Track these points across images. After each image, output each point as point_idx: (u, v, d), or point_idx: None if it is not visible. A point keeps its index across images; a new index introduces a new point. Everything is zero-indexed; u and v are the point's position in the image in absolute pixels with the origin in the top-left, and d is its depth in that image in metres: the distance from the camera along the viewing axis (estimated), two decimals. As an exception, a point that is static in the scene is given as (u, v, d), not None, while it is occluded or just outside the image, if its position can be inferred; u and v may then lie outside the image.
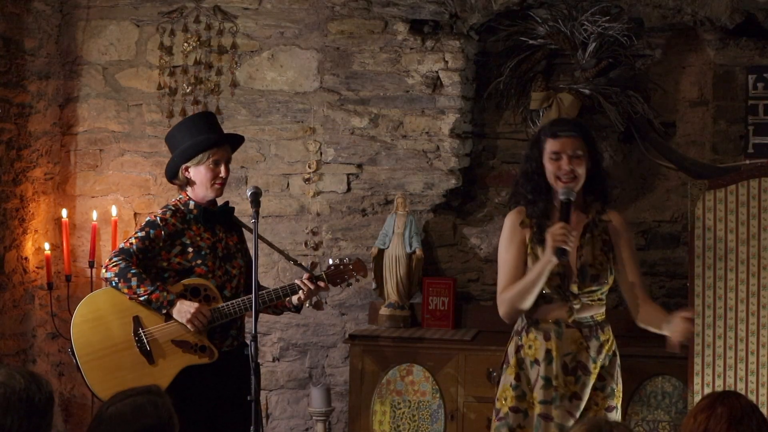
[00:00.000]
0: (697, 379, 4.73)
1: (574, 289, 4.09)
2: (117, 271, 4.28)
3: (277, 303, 4.51)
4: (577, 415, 4.07)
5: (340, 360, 5.72)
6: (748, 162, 5.16)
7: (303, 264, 4.63)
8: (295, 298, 4.49)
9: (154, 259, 4.37)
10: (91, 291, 5.75)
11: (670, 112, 5.53)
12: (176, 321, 4.31)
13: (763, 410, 4.14)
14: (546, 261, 4.01)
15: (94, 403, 5.74)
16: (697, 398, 4.60)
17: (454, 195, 5.67)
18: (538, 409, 4.08)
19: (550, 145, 4.12)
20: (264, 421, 5.68)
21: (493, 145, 5.73)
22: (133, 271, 4.27)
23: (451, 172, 5.62)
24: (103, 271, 4.35)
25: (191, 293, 4.34)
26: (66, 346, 5.91)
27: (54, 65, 5.86)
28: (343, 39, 5.67)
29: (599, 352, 4.11)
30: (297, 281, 4.44)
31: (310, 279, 4.44)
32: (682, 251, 5.44)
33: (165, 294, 4.28)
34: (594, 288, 4.11)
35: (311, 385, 5.66)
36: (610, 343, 4.16)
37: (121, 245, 4.36)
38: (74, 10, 5.89)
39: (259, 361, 4.13)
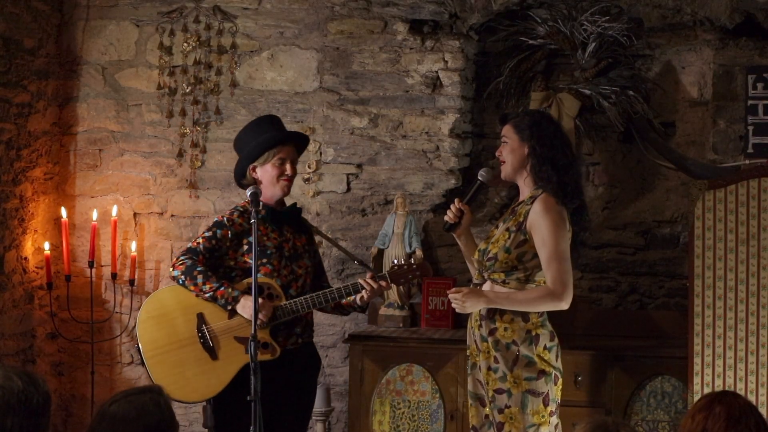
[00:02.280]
0: (696, 379, 4.73)
1: (477, 263, 4.34)
2: (184, 269, 4.34)
3: (343, 303, 4.51)
4: (483, 383, 4.27)
5: (339, 360, 5.72)
6: (747, 162, 5.15)
7: (367, 264, 4.62)
8: (358, 298, 4.47)
9: (221, 259, 4.43)
10: (91, 291, 5.78)
11: (670, 112, 5.53)
12: (239, 318, 4.34)
13: (762, 410, 4.15)
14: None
15: (94, 403, 5.74)
16: (697, 398, 4.59)
17: (454, 195, 5.67)
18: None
19: None
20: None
21: (492, 145, 5.71)
22: (199, 269, 4.33)
23: (450, 172, 5.62)
24: (171, 269, 4.42)
25: None
26: (66, 346, 5.93)
27: (53, 65, 5.86)
28: (342, 39, 5.67)
29: (491, 333, 4.22)
30: (360, 280, 4.44)
31: (373, 278, 4.44)
32: (682, 251, 5.43)
33: (230, 290, 4.33)
34: (487, 264, 4.26)
35: (311, 385, 5.66)
36: (508, 332, 4.20)
37: (189, 245, 4.45)
38: (74, 9, 5.89)
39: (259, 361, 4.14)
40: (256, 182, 4.48)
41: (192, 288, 4.34)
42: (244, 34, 5.79)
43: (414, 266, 4.51)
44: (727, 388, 4.61)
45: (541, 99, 5.44)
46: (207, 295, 4.33)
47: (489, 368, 4.23)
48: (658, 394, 4.97)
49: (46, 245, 5.75)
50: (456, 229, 4.39)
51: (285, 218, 4.52)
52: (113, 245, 5.79)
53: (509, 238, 4.22)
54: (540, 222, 4.17)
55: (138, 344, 4.38)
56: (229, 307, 4.34)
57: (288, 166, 4.46)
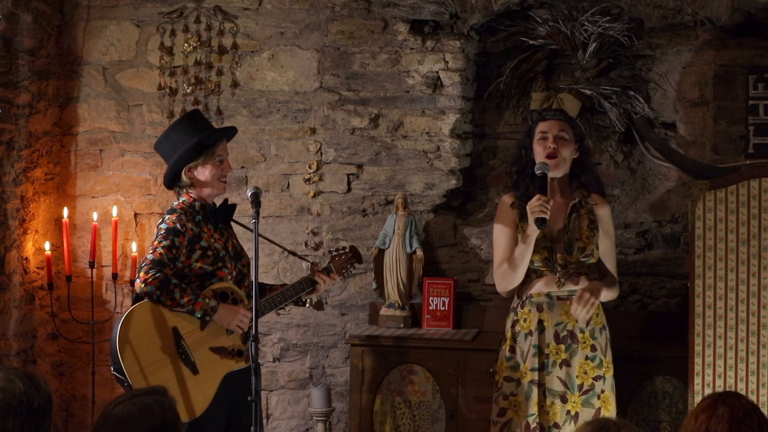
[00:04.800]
0: (697, 380, 4.73)
1: (561, 260, 4.41)
2: (158, 284, 4.15)
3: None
4: (567, 380, 4.40)
5: (340, 360, 5.72)
6: (748, 162, 5.16)
7: (307, 258, 4.62)
8: (313, 293, 4.48)
9: (176, 267, 4.28)
10: (92, 291, 5.77)
11: (670, 113, 5.53)
12: (211, 328, 4.25)
13: (764, 410, 4.14)
14: (529, 233, 4.35)
15: (95, 404, 5.74)
16: (698, 398, 4.60)
17: (455, 195, 5.67)
18: (529, 376, 4.41)
19: (539, 127, 4.53)
20: (264, 421, 5.68)
21: (493, 145, 5.73)
22: (174, 282, 4.18)
23: (451, 172, 5.62)
24: (141, 285, 4.17)
25: (219, 297, 4.30)
26: (67, 346, 5.93)
27: (54, 66, 5.86)
28: (343, 39, 5.67)
29: (587, 323, 4.41)
30: (314, 276, 4.44)
31: (323, 272, 4.45)
32: (683, 251, 5.44)
33: (207, 301, 4.21)
34: (581, 260, 4.43)
35: (312, 385, 5.67)
36: (599, 317, 4.47)
37: (150, 257, 4.22)
38: (74, 10, 5.89)
39: (259, 361, 4.13)
40: (192, 183, 4.37)
41: (168, 302, 4.17)
42: (245, 34, 5.79)
43: (350, 253, 4.58)
44: (727, 389, 4.61)
45: (542, 99, 5.44)
46: (186, 308, 4.19)
47: (586, 358, 4.40)
48: (658, 395, 4.97)
49: (47, 246, 5.75)
50: (547, 223, 4.35)
51: (220, 216, 4.42)
52: (114, 246, 5.79)
53: (594, 235, 4.45)
54: (607, 217, 4.54)
55: (122, 369, 4.12)
56: (207, 318, 4.22)
57: (226, 164, 4.43)
